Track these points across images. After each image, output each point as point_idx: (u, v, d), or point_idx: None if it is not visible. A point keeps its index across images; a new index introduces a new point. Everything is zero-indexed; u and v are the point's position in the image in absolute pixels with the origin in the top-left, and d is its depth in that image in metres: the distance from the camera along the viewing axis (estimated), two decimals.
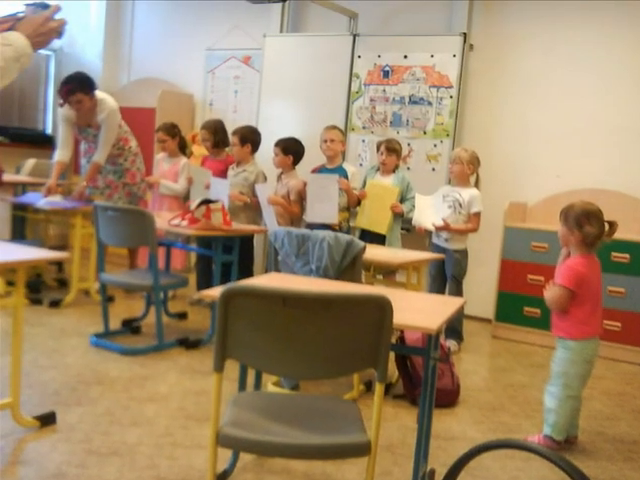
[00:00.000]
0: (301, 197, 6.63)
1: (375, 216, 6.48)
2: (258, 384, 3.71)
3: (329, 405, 3.05)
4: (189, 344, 5.83)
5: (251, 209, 6.90)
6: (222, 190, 6.61)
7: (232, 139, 7.02)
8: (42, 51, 9.82)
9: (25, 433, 3.88)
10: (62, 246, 9.10)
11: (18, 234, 7.80)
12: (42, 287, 7.32)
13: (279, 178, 6.88)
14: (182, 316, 6.74)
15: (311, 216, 6.51)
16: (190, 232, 5.84)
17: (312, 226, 6.09)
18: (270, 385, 4.84)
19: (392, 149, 6.58)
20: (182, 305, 7.20)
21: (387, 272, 6.32)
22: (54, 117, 10.05)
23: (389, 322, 2.58)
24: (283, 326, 2.61)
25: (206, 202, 5.86)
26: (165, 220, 6.01)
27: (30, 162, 8.47)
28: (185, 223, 5.85)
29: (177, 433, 4.06)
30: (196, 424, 4.22)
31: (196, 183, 7.16)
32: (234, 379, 3.33)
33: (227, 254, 6.04)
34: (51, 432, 3.94)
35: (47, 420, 4.03)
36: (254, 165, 7.02)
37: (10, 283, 4.71)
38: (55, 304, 6.70)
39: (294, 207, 6.65)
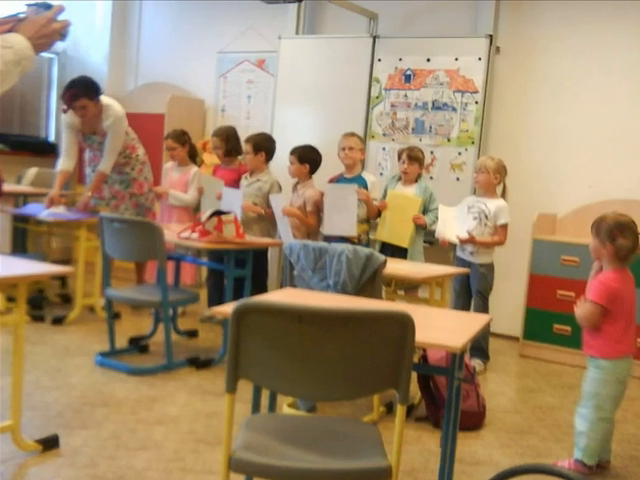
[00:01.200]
0: (318, 208, 6.64)
1: (396, 228, 6.48)
2: (272, 406, 3.67)
3: (348, 428, 3.05)
4: (200, 364, 5.83)
5: (265, 221, 6.92)
6: (235, 201, 6.64)
7: (245, 147, 7.05)
8: (44, 54, 9.87)
9: (26, 457, 3.90)
10: (66, 260, 9.14)
11: (19, 247, 7.85)
12: (44, 303, 7.35)
13: (295, 188, 6.89)
14: (192, 334, 6.75)
15: (328, 228, 6.53)
16: (201, 245, 5.85)
17: (330, 239, 6.08)
18: (285, 407, 4.86)
19: (414, 157, 6.57)
20: (192, 322, 7.21)
21: (409, 287, 6.33)
22: (57, 124, 10.08)
23: (411, 340, 2.59)
24: (299, 344, 2.62)
25: (218, 213, 5.87)
26: (174, 232, 6.03)
27: (32, 171, 8.51)
28: (195, 236, 5.86)
29: (187, 457, 4.08)
30: (207, 448, 4.23)
31: (207, 193, 7.19)
32: (247, 400, 3.32)
33: (240, 268, 6.03)
34: (54, 456, 3.96)
35: (50, 444, 4.03)
36: (268, 174, 7.05)
37: (11, 299, 4.73)
38: (58, 321, 6.72)
39: (310, 219, 6.66)
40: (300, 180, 6.81)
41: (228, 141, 7.30)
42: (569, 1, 7.28)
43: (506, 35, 7.58)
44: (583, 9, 7.23)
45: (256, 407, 3.37)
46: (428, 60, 7.62)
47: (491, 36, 7.37)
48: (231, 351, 2.66)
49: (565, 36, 7.32)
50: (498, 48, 7.53)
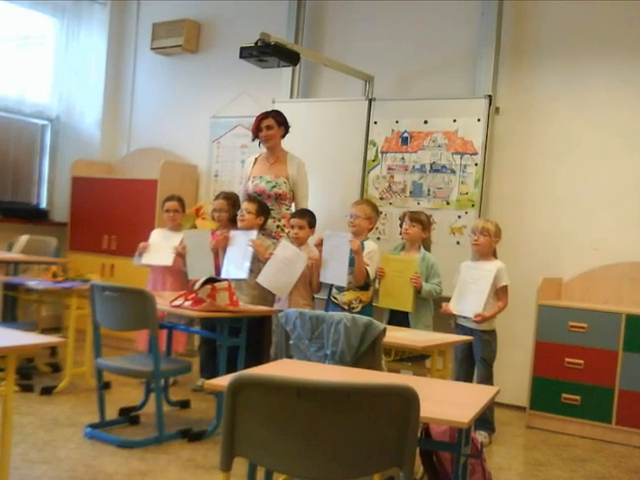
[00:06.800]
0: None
1: (397, 292, 6.36)
2: None
3: None
4: (192, 436, 5.70)
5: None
6: (246, 241, 6.76)
7: (247, 206, 6.97)
8: (38, 120, 9.87)
9: None
10: (55, 328, 9.06)
11: (9, 316, 7.75)
12: (34, 373, 7.23)
13: None
14: (184, 404, 6.63)
15: (323, 276, 6.55)
16: (194, 314, 5.72)
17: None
18: None
19: (416, 219, 6.49)
20: (184, 392, 7.09)
21: (415, 357, 6.14)
22: (49, 190, 10.13)
23: (415, 415, 2.48)
24: (297, 420, 2.52)
25: (211, 281, 5.78)
26: (167, 301, 5.90)
27: (23, 239, 8.37)
28: (188, 304, 5.75)
29: None
30: None
31: (191, 250, 7.11)
32: (241, 475, 3.15)
33: (234, 337, 5.93)
34: None
35: None
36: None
37: None
38: (47, 391, 6.62)
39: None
40: (302, 245, 6.75)
41: (235, 207, 7.24)
42: (567, 62, 7.30)
43: (505, 95, 7.56)
44: (580, 70, 7.24)
45: None
46: (425, 122, 7.58)
47: (490, 97, 7.31)
48: (226, 428, 2.57)
49: (564, 94, 7.31)
50: (497, 109, 7.48)
